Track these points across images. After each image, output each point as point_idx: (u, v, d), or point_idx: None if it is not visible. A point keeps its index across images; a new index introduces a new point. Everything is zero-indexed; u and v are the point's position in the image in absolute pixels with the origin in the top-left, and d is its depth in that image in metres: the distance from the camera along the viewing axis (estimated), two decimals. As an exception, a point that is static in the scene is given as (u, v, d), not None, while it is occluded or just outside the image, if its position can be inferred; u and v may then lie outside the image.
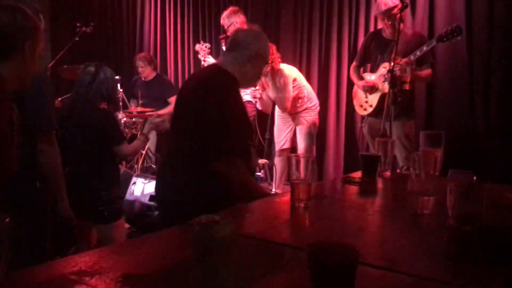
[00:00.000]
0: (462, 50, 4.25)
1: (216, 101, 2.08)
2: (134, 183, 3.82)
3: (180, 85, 6.37)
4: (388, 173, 2.17)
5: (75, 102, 2.87)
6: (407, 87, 3.24)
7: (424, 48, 3.49)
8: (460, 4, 4.28)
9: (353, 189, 2.04)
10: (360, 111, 4.10)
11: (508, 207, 1.52)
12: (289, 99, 4.27)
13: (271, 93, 4.43)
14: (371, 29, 4.81)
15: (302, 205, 1.61)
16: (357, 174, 2.16)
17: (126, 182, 3.91)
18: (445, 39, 3.43)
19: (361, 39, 4.86)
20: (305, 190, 1.60)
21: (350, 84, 4.95)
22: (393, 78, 3.22)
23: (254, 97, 4.53)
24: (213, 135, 2.06)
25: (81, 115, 2.82)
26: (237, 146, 2.13)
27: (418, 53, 3.52)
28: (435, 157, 1.77)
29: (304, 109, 4.51)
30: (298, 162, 1.61)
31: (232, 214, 1.61)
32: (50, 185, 2.16)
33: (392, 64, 3.27)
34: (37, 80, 1.89)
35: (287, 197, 1.69)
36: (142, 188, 3.75)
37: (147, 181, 3.78)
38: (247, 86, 2.62)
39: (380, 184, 2.10)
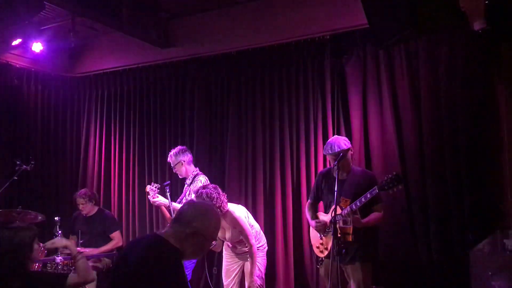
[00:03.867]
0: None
1: (158, 277, 2.09)
2: None
3: (124, 220, 6.21)
4: None
5: None
6: (350, 238, 3.27)
7: (368, 196, 3.56)
8: (393, 144, 4.58)
9: None
10: (317, 253, 4.04)
11: None
12: (250, 234, 4.18)
13: (220, 233, 4.37)
14: (313, 165, 4.99)
15: None
16: None
17: None
18: (386, 188, 3.52)
19: (303, 177, 5.02)
20: None
21: (296, 221, 5.02)
22: (335, 230, 3.25)
23: None
24: None
25: None
26: None
27: (363, 199, 3.57)
28: None
29: (252, 249, 4.43)
30: None
31: None
32: None
33: (332, 215, 3.31)
34: None
35: None
36: None
37: None
38: (188, 258, 2.55)
39: None
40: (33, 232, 2.94)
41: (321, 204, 4.17)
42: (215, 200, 4.02)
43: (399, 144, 4.56)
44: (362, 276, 3.69)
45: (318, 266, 4.13)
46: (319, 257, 4.01)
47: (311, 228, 4.12)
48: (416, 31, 3.58)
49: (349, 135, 4.73)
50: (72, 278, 2.85)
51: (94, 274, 3.18)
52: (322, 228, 3.89)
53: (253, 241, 4.17)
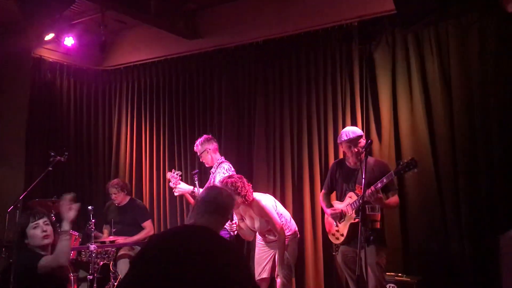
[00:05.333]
0: (430, 175, 4.40)
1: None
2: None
3: (155, 209, 6.32)
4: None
5: None
6: (378, 225, 3.25)
7: (384, 180, 3.57)
8: (424, 130, 4.50)
9: None
10: (333, 240, 4.08)
11: None
12: (277, 223, 4.21)
13: (249, 222, 4.41)
14: (341, 153, 4.96)
15: None
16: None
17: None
18: (402, 172, 3.54)
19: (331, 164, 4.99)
20: None
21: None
22: (364, 217, 3.23)
23: (232, 231, 4.47)
24: None
25: None
26: None
27: (379, 184, 3.58)
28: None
29: (283, 238, 4.44)
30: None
31: None
32: None
33: (361, 201, 3.29)
34: None
35: None
36: None
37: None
38: None
39: None
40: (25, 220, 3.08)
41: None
42: (240, 189, 4.06)
43: (429, 129, 4.48)
44: (377, 259, 3.71)
45: (334, 254, 4.14)
46: (335, 244, 4.05)
47: (325, 216, 4.18)
48: (445, 13, 3.50)
49: (378, 121, 4.69)
50: (45, 260, 2.95)
51: (67, 259, 3.10)
52: (338, 216, 3.96)
53: (278, 228, 4.18)
